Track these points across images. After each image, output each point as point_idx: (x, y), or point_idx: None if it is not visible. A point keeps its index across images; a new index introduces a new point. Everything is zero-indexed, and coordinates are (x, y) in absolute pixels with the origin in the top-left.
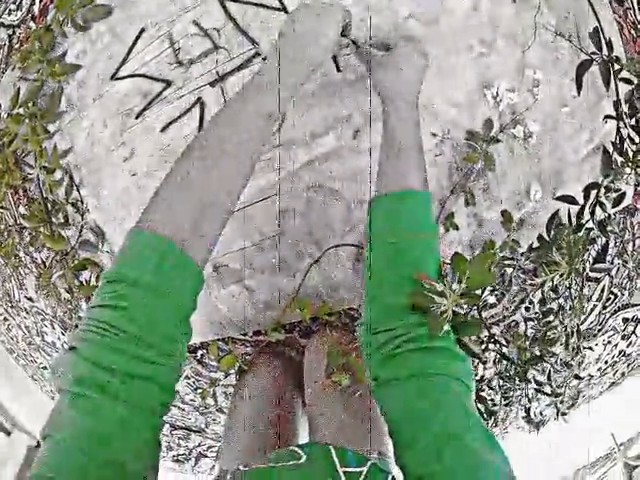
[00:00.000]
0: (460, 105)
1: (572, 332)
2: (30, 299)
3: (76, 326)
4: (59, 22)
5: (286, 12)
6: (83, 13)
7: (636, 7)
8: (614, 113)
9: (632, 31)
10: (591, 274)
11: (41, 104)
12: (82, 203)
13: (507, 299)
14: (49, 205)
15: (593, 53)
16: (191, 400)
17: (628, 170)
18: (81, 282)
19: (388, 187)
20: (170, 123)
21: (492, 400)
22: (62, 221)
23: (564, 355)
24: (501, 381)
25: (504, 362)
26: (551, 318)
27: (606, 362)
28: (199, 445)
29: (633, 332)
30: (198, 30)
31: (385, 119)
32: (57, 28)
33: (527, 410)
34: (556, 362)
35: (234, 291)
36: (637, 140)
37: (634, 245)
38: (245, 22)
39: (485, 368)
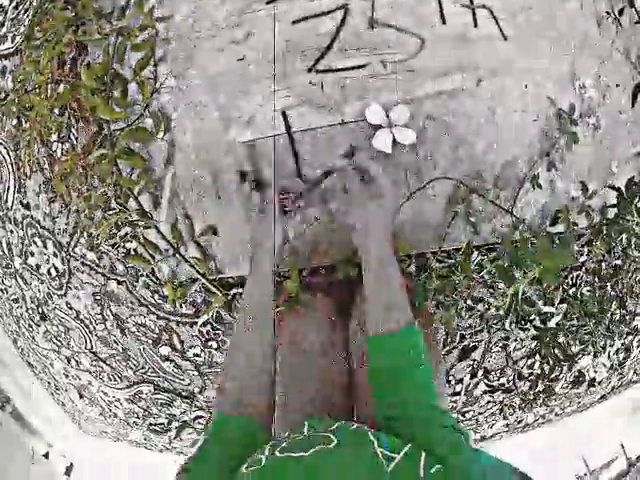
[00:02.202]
0: (555, 86)
1: (627, 290)
2: (27, 206)
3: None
4: None
5: None
6: None
7: None
8: None
9: None
10: None
11: None
12: (155, 81)
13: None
14: (110, 77)
15: None
16: (195, 355)
17: None
18: (119, 172)
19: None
20: (307, 18)
21: (568, 344)
22: (120, 96)
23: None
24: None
25: (576, 311)
26: (605, 281)
27: (620, 364)
28: (184, 413)
29: (631, 343)
30: None
31: (364, 266)
32: None
33: (603, 349)
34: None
35: (313, 213)
36: None
37: None
38: None
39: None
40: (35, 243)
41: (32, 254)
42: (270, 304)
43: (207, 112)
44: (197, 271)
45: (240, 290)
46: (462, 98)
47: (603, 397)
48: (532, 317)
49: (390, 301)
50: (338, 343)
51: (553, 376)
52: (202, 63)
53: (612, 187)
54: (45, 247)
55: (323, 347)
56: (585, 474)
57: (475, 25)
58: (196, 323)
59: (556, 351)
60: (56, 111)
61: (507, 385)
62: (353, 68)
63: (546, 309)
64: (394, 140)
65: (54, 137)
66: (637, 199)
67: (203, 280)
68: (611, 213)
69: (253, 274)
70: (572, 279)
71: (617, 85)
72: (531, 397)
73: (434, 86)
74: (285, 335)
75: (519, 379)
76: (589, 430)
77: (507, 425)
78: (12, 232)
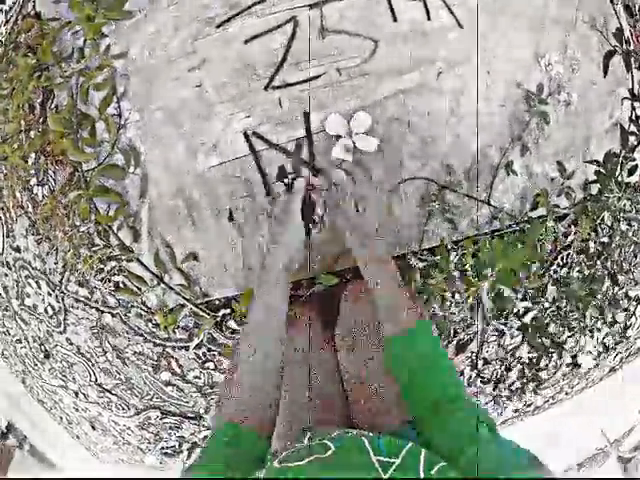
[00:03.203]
0: (520, 68)
1: (616, 268)
2: (17, 249)
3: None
4: None
5: None
6: None
7: None
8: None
9: (638, 38)
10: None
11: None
12: (120, 117)
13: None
14: (77, 118)
15: (615, 45)
16: (195, 378)
17: None
18: (97, 210)
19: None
20: (257, 36)
21: (557, 334)
22: (88, 136)
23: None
24: (561, 320)
25: (564, 300)
26: (594, 260)
27: (607, 347)
28: (193, 434)
29: (634, 313)
30: None
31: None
32: None
33: (592, 336)
34: (604, 298)
35: None
36: None
37: None
38: None
39: (543, 303)
40: (29, 284)
41: (28, 295)
42: (283, 321)
43: (173, 142)
44: (183, 297)
45: (228, 310)
46: (423, 94)
47: (612, 370)
48: (512, 311)
49: (398, 300)
50: (325, 352)
51: (543, 365)
52: (162, 94)
53: (590, 162)
54: (39, 287)
55: (306, 357)
56: (606, 446)
57: (428, 18)
58: (188, 347)
59: (544, 340)
60: (33, 155)
61: (499, 375)
62: (308, 80)
63: (523, 305)
64: (357, 148)
65: (34, 181)
66: (618, 172)
67: (190, 305)
68: (594, 189)
69: (264, 289)
70: (562, 259)
71: (584, 56)
72: (520, 386)
73: (392, 86)
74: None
75: (507, 370)
76: (605, 403)
77: (516, 410)
78: (7, 275)
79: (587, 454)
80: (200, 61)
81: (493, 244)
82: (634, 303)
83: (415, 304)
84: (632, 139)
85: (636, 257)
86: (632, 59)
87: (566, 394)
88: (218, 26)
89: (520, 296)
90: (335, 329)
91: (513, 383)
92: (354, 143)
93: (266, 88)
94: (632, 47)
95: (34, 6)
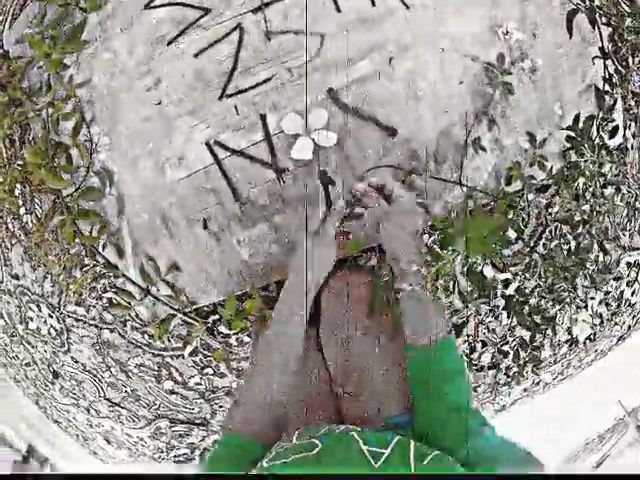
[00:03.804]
0: (476, 41)
1: (602, 235)
2: (15, 276)
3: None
4: None
5: None
6: None
7: None
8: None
9: None
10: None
11: (64, 33)
12: (91, 143)
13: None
14: (52, 148)
15: (578, 3)
16: (196, 384)
17: (619, 98)
18: (81, 232)
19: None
20: (206, 48)
21: (546, 309)
22: (65, 164)
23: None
24: (549, 294)
25: (550, 275)
26: (580, 229)
27: (602, 317)
28: (203, 439)
29: (636, 279)
30: None
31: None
32: None
33: (585, 307)
34: (596, 266)
35: (260, 231)
36: (623, 72)
37: (629, 185)
38: None
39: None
40: (31, 309)
41: (31, 319)
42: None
43: (141, 160)
44: (171, 307)
45: (217, 316)
46: (377, 82)
47: (621, 338)
48: (490, 288)
49: (428, 309)
50: (311, 350)
51: (538, 343)
52: (126, 116)
53: (561, 128)
54: (40, 310)
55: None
56: (624, 416)
57: (373, 4)
58: (184, 355)
59: (534, 317)
60: (18, 186)
61: (495, 358)
62: (261, 83)
63: (502, 276)
64: (316, 144)
65: (22, 210)
66: (595, 134)
67: (179, 314)
68: (574, 157)
69: (290, 302)
70: (550, 232)
71: (546, 20)
72: (518, 369)
73: (345, 78)
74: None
75: (503, 354)
76: (619, 372)
77: (525, 390)
78: (9, 303)
79: (607, 426)
80: (156, 80)
81: (461, 216)
82: (635, 269)
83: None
84: (608, 99)
85: (630, 222)
86: (597, 15)
87: (575, 368)
88: (169, 43)
89: (500, 272)
90: (319, 326)
91: (510, 368)
92: (313, 140)
93: (220, 97)
94: (596, 2)
95: (1, 46)
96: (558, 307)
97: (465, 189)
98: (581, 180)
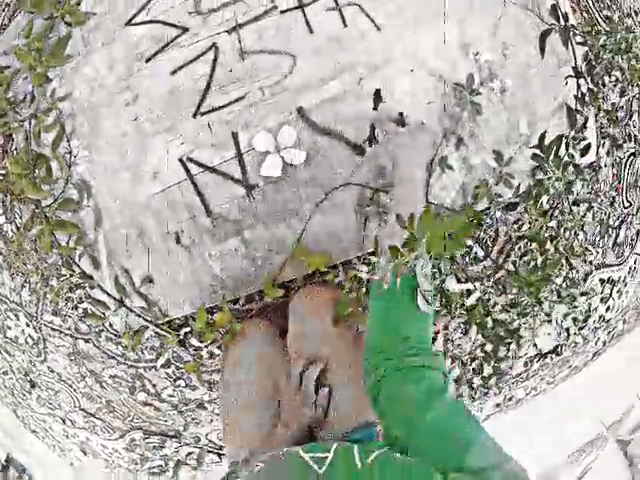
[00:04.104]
0: (446, 62)
1: (569, 251)
2: None
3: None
4: None
5: None
6: None
7: None
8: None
9: (584, 14)
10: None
11: (49, 46)
12: (70, 155)
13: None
14: (33, 158)
15: (552, 24)
16: (169, 396)
17: (591, 116)
18: (58, 242)
19: None
20: (182, 66)
21: (510, 322)
22: (45, 175)
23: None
24: (513, 308)
25: (514, 289)
26: (547, 245)
27: (580, 328)
28: (176, 451)
29: (610, 295)
30: None
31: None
32: None
33: (549, 321)
34: (563, 281)
35: (230, 245)
36: (596, 91)
37: (600, 203)
38: None
39: (492, 293)
40: (9, 317)
41: (9, 327)
42: None
43: (118, 174)
44: (144, 319)
45: (189, 328)
46: (347, 101)
47: (596, 354)
48: (455, 300)
49: None
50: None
51: (501, 355)
52: (105, 130)
53: (530, 147)
54: (18, 319)
55: (260, 369)
56: (604, 432)
57: (345, 25)
58: (157, 366)
59: (497, 329)
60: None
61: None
62: (234, 102)
63: (464, 287)
64: (286, 162)
65: (2, 219)
66: (564, 152)
67: (151, 326)
68: (540, 174)
69: None
70: (519, 249)
71: (518, 40)
72: (481, 382)
73: (315, 97)
74: (228, 364)
75: (464, 365)
76: (594, 387)
77: (497, 405)
78: None
79: (587, 439)
80: (134, 96)
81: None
82: (609, 286)
83: None
84: (580, 117)
85: (603, 238)
86: (571, 34)
87: (548, 384)
88: (147, 60)
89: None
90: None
91: (471, 380)
92: (282, 158)
93: (195, 115)
94: (571, 22)
95: None
96: (522, 320)
97: (432, 207)
98: (544, 198)
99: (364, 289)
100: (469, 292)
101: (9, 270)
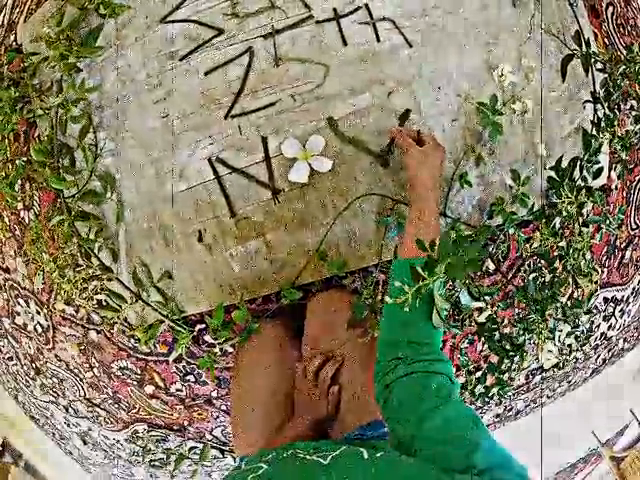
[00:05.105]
0: (472, 81)
1: (576, 271)
2: (6, 269)
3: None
4: None
5: None
6: None
7: (609, 19)
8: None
9: (605, 39)
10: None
11: (80, 36)
12: (96, 147)
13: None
14: (57, 148)
15: (574, 49)
16: (177, 390)
17: (605, 142)
18: (78, 233)
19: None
20: (216, 67)
21: (516, 337)
22: (68, 165)
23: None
24: (520, 324)
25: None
26: (556, 264)
27: (582, 344)
28: (179, 446)
29: (613, 314)
30: None
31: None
32: None
33: (552, 338)
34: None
35: (252, 247)
36: (611, 117)
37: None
38: None
39: (501, 308)
40: (19, 303)
41: (18, 314)
42: None
43: (144, 169)
44: (160, 313)
45: (203, 325)
46: (374, 114)
47: (595, 371)
48: (467, 314)
49: None
50: (291, 364)
51: (505, 367)
52: (133, 124)
53: (545, 168)
54: (28, 306)
55: (275, 369)
56: (597, 447)
57: (378, 40)
58: (168, 361)
59: (503, 342)
60: (19, 182)
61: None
62: (265, 107)
63: (477, 304)
64: (313, 169)
65: (20, 205)
66: (578, 175)
67: (167, 321)
68: (554, 197)
69: None
70: (528, 265)
71: (542, 63)
72: (484, 390)
73: (344, 108)
74: (243, 362)
75: (470, 374)
76: (591, 403)
77: (497, 415)
78: None
79: (581, 454)
80: (165, 93)
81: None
82: (612, 304)
83: None
84: (594, 142)
85: (610, 259)
86: (592, 60)
87: (548, 397)
88: (181, 59)
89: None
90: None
91: (474, 388)
92: (309, 164)
93: (226, 117)
94: (593, 49)
95: (15, 39)
96: (527, 336)
97: (449, 220)
98: (558, 219)
99: (379, 296)
100: (480, 309)
101: (23, 257)
